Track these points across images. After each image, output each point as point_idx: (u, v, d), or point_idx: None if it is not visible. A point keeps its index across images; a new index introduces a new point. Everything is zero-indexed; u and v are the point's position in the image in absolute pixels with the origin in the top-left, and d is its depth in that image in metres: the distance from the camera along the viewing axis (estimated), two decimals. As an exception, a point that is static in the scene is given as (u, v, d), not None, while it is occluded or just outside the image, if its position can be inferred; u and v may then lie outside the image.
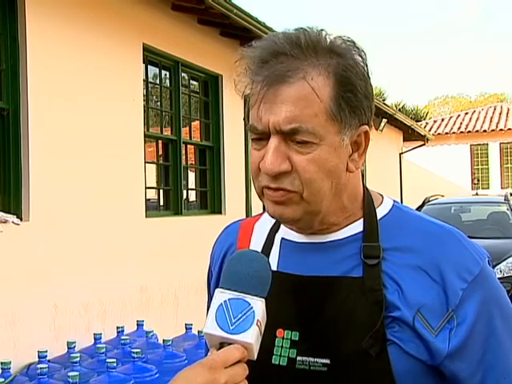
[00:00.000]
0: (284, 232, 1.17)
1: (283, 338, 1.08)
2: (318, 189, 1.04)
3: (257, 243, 1.19)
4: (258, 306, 0.96)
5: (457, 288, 1.04)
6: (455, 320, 1.04)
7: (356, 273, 1.07)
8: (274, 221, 1.18)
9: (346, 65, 1.03)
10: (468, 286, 1.04)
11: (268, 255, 1.14)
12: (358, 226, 1.12)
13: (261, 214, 1.26)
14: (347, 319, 1.05)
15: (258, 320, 0.95)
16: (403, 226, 1.11)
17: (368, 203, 1.14)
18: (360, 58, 1.05)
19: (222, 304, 0.97)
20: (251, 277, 0.98)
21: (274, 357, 1.08)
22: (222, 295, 0.98)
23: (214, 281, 1.27)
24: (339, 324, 1.05)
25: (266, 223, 1.22)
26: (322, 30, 1.06)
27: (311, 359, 1.06)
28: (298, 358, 1.06)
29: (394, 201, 1.19)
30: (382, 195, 1.19)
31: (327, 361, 1.05)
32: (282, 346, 1.07)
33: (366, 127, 1.08)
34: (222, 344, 0.95)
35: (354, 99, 1.03)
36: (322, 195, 1.05)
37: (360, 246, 1.09)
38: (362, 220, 1.12)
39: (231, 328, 0.95)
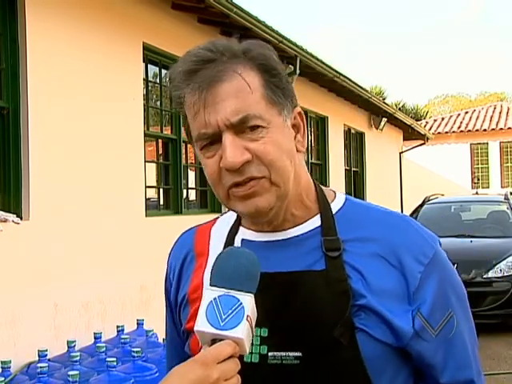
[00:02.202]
0: (243, 233, 1.20)
1: (252, 336, 1.09)
2: (282, 168, 1.07)
3: (216, 247, 1.20)
4: (247, 301, 0.98)
5: (415, 271, 1.10)
6: (415, 302, 1.10)
7: (319, 266, 1.11)
8: (231, 224, 1.22)
9: (263, 54, 1.11)
10: (425, 269, 1.11)
11: None
12: (315, 221, 1.16)
13: (215, 219, 1.29)
14: (315, 311, 1.08)
15: (247, 315, 0.97)
16: (358, 218, 1.17)
17: (322, 198, 1.18)
18: (269, 50, 1.13)
19: (211, 301, 0.98)
20: (240, 273, 1.00)
21: (245, 355, 1.08)
22: (211, 293, 0.99)
23: (175, 287, 1.27)
24: (307, 316, 1.08)
25: (222, 227, 1.24)
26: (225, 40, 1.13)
27: (283, 353, 1.08)
28: (270, 354, 1.09)
29: (347, 195, 1.24)
30: (333, 191, 1.23)
31: (299, 353, 1.08)
32: (252, 344, 1.07)
33: (299, 108, 1.16)
34: (214, 340, 0.96)
35: (280, 82, 1.11)
36: (287, 174, 1.09)
37: (320, 240, 1.13)
38: (318, 215, 1.16)
39: (222, 324, 0.96)
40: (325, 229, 1.14)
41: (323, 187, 1.22)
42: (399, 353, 1.10)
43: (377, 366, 1.08)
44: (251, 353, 1.09)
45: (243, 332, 0.96)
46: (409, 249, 1.12)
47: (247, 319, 0.97)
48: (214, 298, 0.98)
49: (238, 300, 0.98)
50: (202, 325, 0.97)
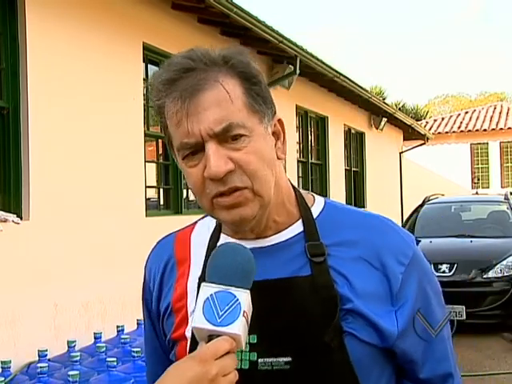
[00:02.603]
0: (225, 240, 1.18)
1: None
2: (263, 177, 1.08)
3: (198, 254, 1.20)
4: (244, 297, 0.99)
5: (397, 272, 1.13)
6: (398, 302, 1.12)
7: (305, 271, 1.11)
8: (212, 230, 1.22)
9: (243, 62, 1.10)
10: (406, 269, 1.14)
11: None
12: (297, 227, 1.16)
13: (194, 224, 1.28)
14: (303, 317, 1.09)
15: (244, 311, 0.98)
16: (339, 222, 1.18)
17: (302, 203, 1.19)
18: (247, 58, 1.13)
19: (208, 298, 0.99)
20: (235, 269, 1.01)
21: None
22: (208, 289, 1.00)
23: (156, 297, 1.24)
24: (296, 322, 1.09)
25: (202, 233, 1.23)
26: (207, 49, 1.13)
27: (273, 359, 1.09)
28: (260, 360, 1.09)
29: (325, 198, 1.24)
30: (312, 195, 1.24)
31: (289, 358, 1.09)
32: (241, 351, 1.08)
33: (279, 115, 1.16)
34: (211, 337, 0.97)
35: (261, 90, 1.11)
36: (268, 183, 1.09)
37: (304, 246, 1.13)
38: (300, 221, 1.17)
39: (218, 321, 0.97)
40: (308, 234, 1.15)
41: (302, 191, 1.23)
42: (385, 353, 1.13)
43: (364, 368, 1.10)
44: (241, 359, 1.09)
45: (240, 328, 0.97)
46: (390, 250, 1.14)
47: (243, 315, 0.98)
48: (211, 295, 0.99)
49: (235, 296, 0.98)
50: (199, 321, 0.98)
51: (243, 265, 1.02)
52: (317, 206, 1.20)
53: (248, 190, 1.07)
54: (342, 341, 1.08)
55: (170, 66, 1.09)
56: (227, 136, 1.05)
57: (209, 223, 1.23)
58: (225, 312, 0.97)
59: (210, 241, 1.21)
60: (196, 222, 1.28)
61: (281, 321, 1.10)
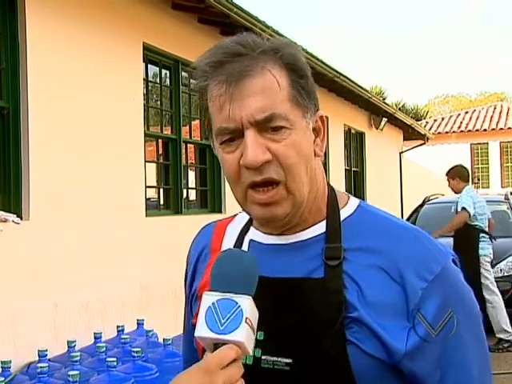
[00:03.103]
0: (252, 234, 1.19)
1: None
2: (298, 173, 1.06)
3: (228, 245, 1.21)
4: (246, 303, 0.98)
5: (416, 288, 1.05)
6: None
7: (318, 274, 1.09)
8: (244, 223, 1.22)
9: (292, 53, 1.09)
10: (428, 286, 1.06)
11: None
12: (321, 227, 1.14)
13: (234, 216, 1.28)
14: (308, 319, 1.07)
15: (246, 318, 0.96)
16: (366, 227, 1.13)
17: (332, 203, 1.16)
18: (296, 48, 1.12)
19: (210, 306, 0.98)
20: (236, 275, 1.00)
21: None
22: (209, 297, 0.99)
23: (190, 280, 1.29)
24: (300, 324, 1.07)
25: (237, 224, 1.24)
26: (255, 36, 1.11)
27: (275, 358, 1.08)
28: (263, 357, 1.09)
29: (361, 201, 1.20)
30: (348, 195, 1.21)
31: (289, 360, 1.07)
32: None
33: (321, 112, 1.14)
34: (217, 345, 0.96)
35: (307, 84, 1.09)
36: (302, 180, 1.08)
37: (323, 247, 1.11)
38: (325, 221, 1.14)
39: (221, 329, 0.96)
40: (329, 235, 1.12)
41: (338, 191, 1.20)
42: (391, 369, 1.06)
43: (367, 381, 1.05)
44: None
45: (243, 335, 0.96)
46: (412, 263, 1.07)
47: (246, 321, 0.96)
48: (213, 303, 0.98)
49: (236, 303, 0.98)
50: (201, 330, 0.97)
51: (245, 270, 1.01)
52: (348, 207, 1.17)
53: (282, 186, 1.06)
54: (344, 349, 1.04)
55: (219, 48, 1.08)
56: (268, 126, 1.04)
57: (245, 217, 1.24)
58: (227, 319, 0.96)
59: (239, 233, 1.22)
60: (237, 214, 1.28)
61: (287, 321, 1.09)
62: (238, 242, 1.20)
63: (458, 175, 7.53)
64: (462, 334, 1.07)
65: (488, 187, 20.97)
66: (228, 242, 1.22)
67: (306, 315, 1.07)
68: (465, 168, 7.73)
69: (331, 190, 1.19)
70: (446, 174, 7.71)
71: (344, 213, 1.15)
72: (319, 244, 1.12)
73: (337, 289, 1.07)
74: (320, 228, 1.14)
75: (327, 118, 1.14)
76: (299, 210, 1.10)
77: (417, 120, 21.97)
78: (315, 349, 1.06)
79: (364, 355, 1.04)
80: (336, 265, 1.08)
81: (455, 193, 7.63)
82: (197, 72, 1.09)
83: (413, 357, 1.04)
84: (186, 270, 1.33)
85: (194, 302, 1.25)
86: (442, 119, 23.78)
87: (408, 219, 10.22)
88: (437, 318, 1.05)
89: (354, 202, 1.19)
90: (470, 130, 21.66)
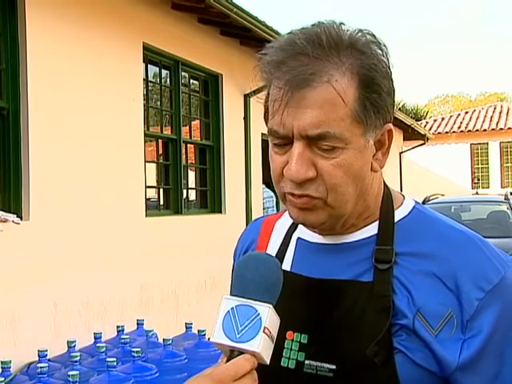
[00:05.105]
0: (300, 231, 1.15)
1: (293, 341, 1.06)
2: (342, 193, 1.00)
3: (275, 242, 1.18)
4: (266, 312, 0.93)
5: (472, 298, 0.99)
6: (469, 331, 0.99)
7: (367, 277, 1.03)
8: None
9: (369, 64, 0.98)
10: (485, 296, 0.99)
11: (284, 254, 1.14)
12: (373, 228, 1.08)
13: (283, 212, 1.22)
14: (354, 325, 1.02)
15: (265, 327, 0.92)
16: (421, 230, 1.07)
17: (387, 204, 1.10)
18: (381, 52, 1.01)
19: (228, 311, 0.94)
20: (258, 282, 0.95)
21: (283, 359, 1.06)
22: (228, 302, 0.95)
23: None
24: (346, 330, 1.02)
25: (286, 222, 1.19)
26: (341, 23, 1.01)
27: (318, 364, 1.03)
28: (306, 362, 1.04)
29: (417, 202, 1.13)
30: (403, 196, 1.14)
31: (333, 366, 1.02)
32: (291, 349, 1.05)
33: (390, 125, 1.04)
34: (233, 351, 0.93)
35: (379, 99, 0.99)
36: (346, 199, 1.01)
37: (373, 250, 1.05)
38: (377, 222, 1.08)
39: (238, 336, 0.92)
40: (381, 237, 1.06)
41: (393, 190, 1.14)
42: (441, 382, 1.00)
43: None
44: (289, 358, 1.06)
45: (259, 345, 0.91)
46: (469, 272, 1.00)
47: (264, 331, 0.92)
48: (232, 308, 0.94)
49: (256, 310, 0.93)
50: (217, 336, 0.93)
51: (267, 277, 0.96)
52: (403, 209, 1.10)
53: (321, 200, 1.00)
54: (391, 358, 0.98)
55: (287, 44, 0.99)
56: (319, 142, 0.97)
57: None
58: (245, 327, 0.92)
59: (288, 229, 1.17)
60: (285, 211, 1.19)
61: (333, 325, 1.03)
62: (286, 240, 1.16)
63: None
64: None
65: (488, 187, 20.96)
66: (275, 239, 1.18)
67: (351, 320, 1.02)
68: None
69: (386, 190, 1.12)
70: None
71: (398, 214, 1.09)
72: (370, 246, 1.06)
73: (385, 294, 1.01)
74: (372, 229, 1.08)
75: (392, 132, 1.05)
76: (339, 220, 1.05)
77: (417, 120, 21.97)
78: (360, 356, 1.00)
79: (413, 365, 0.99)
80: (386, 268, 1.02)
81: None
82: (260, 67, 1.02)
83: (466, 371, 0.98)
84: (233, 265, 1.27)
85: None
86: (442, 119, 23.78)
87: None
88: (493, 331, 0.98)
89: (409, 202, 1.12)
90: (470, 130, 21.66)
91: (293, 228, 1.17)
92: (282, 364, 1.05)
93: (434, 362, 0.99)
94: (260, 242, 1.22)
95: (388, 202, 1.10)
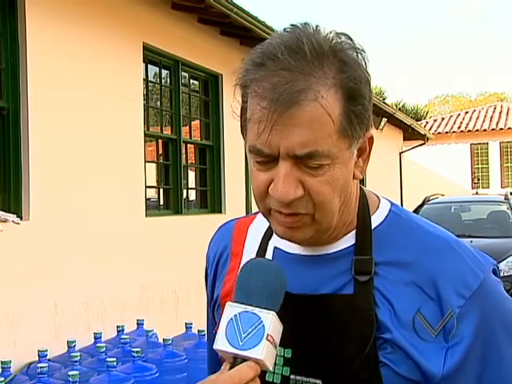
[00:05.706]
0: (277, 240, 1.10)
1: (276, 355, 1.02)
2: (329, 209, 0.99)
3: (250, 250, 1.15)
4: (269, 319, 0.93)
5: (454, 306, 0.98)
6: (452, 339, 0.98)
7: (347, 290, 1.02)
8: (267, 225, 1.12)
9: (353, 76, 0.95)
10: (466, 303, 0.98)
11: None
12: (352, 238, 1.06)
13: (255, 214, 1.20)
14: (338, 339, 1.01)
15: (268, 334, 0.92)
16: (398, 237, 1.05)
17: (363, 210, 1.07)
18: (361, 57, 0.98)
19: (232, 318, 0.94)
20: (261, 288, 0.95)
21: (268, 373, 1.04)
22: (232, 309, 0.95)
23: (211, 283, 1.23)
24: (330, 344, 1.01)
25: (260, 226, 1.16)
26: (317, 26, 0.98)
27: (304, 378, 1.02)
28: (292, 377, 1.03)
29: (392, 204, 1.12)
30: (378, 197, 1.12)
31: (319, 381, 1.01)
32: (275, 363, 1.02)
33: (371, 132, 1.02)
34: (236, 359, 0.93)
35: (363, 109, 0.97)
36: (333, 213, 1.00)
37: (352, 260, 1.03)
38: (355, 231, 1.07)
39: (241, 344, 0.92)
40: (359, 247, 1.04)
41: (369, 192, 1.11)
42: None
43: None
44: (274, 372, 1.05)
45: (262, 352, 0.91)
46: (449, 278, 0.99)
47: (267, 338, 0.92)
48: (235, 315, 0.94)
49: (259, 318, 0.93)
50: (221, 343, 0.93)
51: (270, 284, 0.95)
52: (379, 214, 1.08)
53: (309, 216, 0.98)
54: (376, 371, 0.97)
55: (266, 57, 0.94)
56: (307, 161, 0.94)
57: None
58: (248, 334, 0.92)
59: (263, 236, 1.14)
60: (257, 213, 1.16)
61: (317, 340, 1.02)
62: (262, 248, 1.13)
63: None
64: (502, 352, 1.00)
65: (488, 187, 20.97)
66: (251, 246, 1.15)
67: (334, 334, 1.01)
68: None
69: (362, 192, 1.09)
70: None
71: (375, 220, 1.07)
72: (349, 257, 1.04)
73: (367, 307, 0.99)
74: (350, 239, 1.06)
75: (373, 139, 1.04)
76: (326, 233, 1.04)
77: (417, 120, 21.99)
78: (346, 370, 0.99)
79: (399, 378, 0.98)
80: (366, 281, 1.01)
81: None
82: (239, 82, 0.98)
83: (451, 379, 0.98)
84: (206, 268, 1.26)
85: (216, 310, 1.19)
86: (442, 119, 23.79)
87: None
88: (475, 336, 0.98)
89: (385, 205, 1.10)
90: (469, 130, 21.67)
91: (268, 235, 1.14)
92: (267, 379, 1.04)
93: (419, 373, 0.98)
94: (234, 247, 1.19)
95: (364, 207, 1.08)
